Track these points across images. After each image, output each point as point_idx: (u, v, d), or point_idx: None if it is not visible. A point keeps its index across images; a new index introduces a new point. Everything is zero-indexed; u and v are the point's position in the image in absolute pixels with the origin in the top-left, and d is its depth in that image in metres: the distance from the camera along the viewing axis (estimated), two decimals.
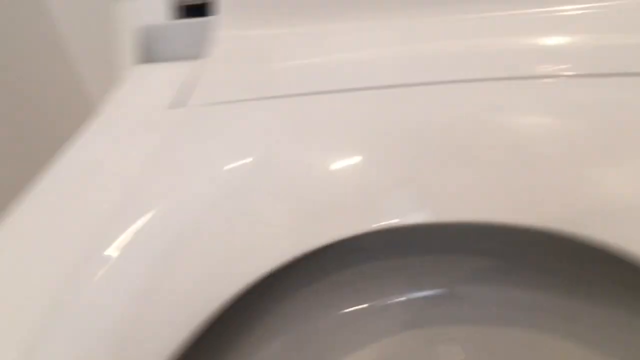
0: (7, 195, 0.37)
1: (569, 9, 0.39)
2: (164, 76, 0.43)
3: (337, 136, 0.31)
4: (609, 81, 0.33)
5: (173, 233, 0.27)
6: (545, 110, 0.31)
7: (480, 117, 0.31)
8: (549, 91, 0.33)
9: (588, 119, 0.30)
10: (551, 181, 0.28)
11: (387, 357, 0.33)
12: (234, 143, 0.32)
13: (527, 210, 0.27)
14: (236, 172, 0.30)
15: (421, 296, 0.33)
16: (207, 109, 0.37)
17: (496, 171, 0.28)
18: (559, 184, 0.27)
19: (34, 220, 0.30)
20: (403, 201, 0.28)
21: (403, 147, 0.30)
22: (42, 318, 0.24)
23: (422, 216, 0.27)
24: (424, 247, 0.31)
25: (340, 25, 0.42)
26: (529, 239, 0.29)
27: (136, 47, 0.46)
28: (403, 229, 0.27)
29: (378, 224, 0.27)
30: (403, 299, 0.33)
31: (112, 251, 0.27)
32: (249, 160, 0.30)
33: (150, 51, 0.46)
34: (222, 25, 0.43)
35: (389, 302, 0.33)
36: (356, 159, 0.30)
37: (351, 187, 0.28)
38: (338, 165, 0.30)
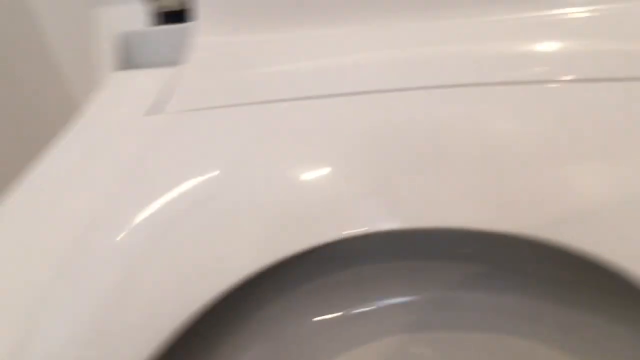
0: None
1: (552, 14, 0.40)
2: (142, 82, 0.43)
3: (309, 144, 0.31)
4: (584, 87, 0.33)
5: (140, 246, 0.27)
6: (519, 116, 0.32)
7: (454, 124, 0.31)
8: (523, 97, 0.33)
9: (562, 125, 0.30)
10: (525, 187, 0.28)
11: None
12: (207, 153, 0.32)
13: (500, 217, 0.27)
14: (205, 182, 0.30)
15: (395, 303, 0.33)
16: (183, 115, 0.36)
17: (469, 178, 0.28)
18: (533, 191, 0.27)
19: (6, 227, 0.30)
20: (373, 209, 0.28)
21: (374, 154, 0.30)
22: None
23: (392, 223, 0.27)
24: (397, 254, 0.31)
25: (318, 32, 0.42)
26: (505, 245, 0.29)
27: (115, 54, 0.46)
28: (374, 236, 0.27)
29: (348, 232, 0.26)
30: (374, 307, 0.33)
31: (81, 262, 0.27)
32: (218, 170, 0.30)
33: (130, 57, 0.46)
34: (200, 32, 0.43)
35: (362, 309, 0.33)
36: (327, 168, 0.30)
37: (322, 196, 0.28)
38: (309, 174, 0.30)
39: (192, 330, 0.26)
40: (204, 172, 0.30)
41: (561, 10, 0.39)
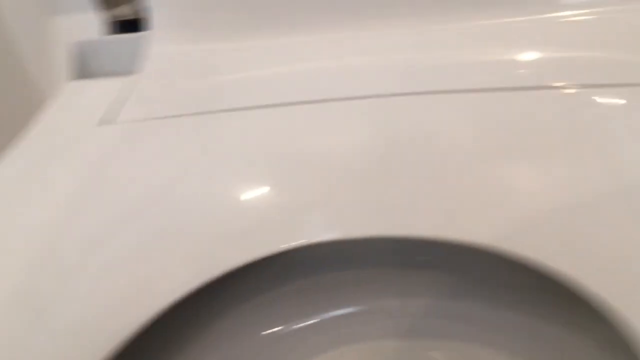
0: None
1: (500, 22, 0.40)
2: (97, 92, 0.43)
3: (253, 156, 0.32)
4: (530, 94, 0.33)
5: (70, 266, 0.27)
6: (465, 124, 0.32)
7: (400, 132, 0.32)
8: (469, 105, 0.33)
9: (509, 132, 0.31)
10: (470, 194, 0.28)
11: None
12: (150, 166, 0.32)
13: (440, 225, 0.28)
14: (144, 198, 0.30)
15: (341, 314, 0.33)
16: (134, 126, 0.37)
17: (412, 186, 0.29)
18: (478, 198, 0.28)
19: None
20: (314, 221, 0.28)
21: (318, 166, 0.30)
22: None
23: (331, 234, 0.27)
24: (347, 265, 0.32)
25: (271, 41, 0.42)
26: (454, 253, 0.30)
27: (70, 63, 0.45)
28: (320, 248, 0.28)
29: (286, 245, 0.27)
30: (317, 320, 0.33)
31: (17, 279, 0.27)
32: (159, 185, 0.31)
33: (85, 67, 0.46)
34: (154, 41, 0.43)
35: (312, 320, 0.33)
36: (268, 180, 0.30)
37: (261, 210, 0.29)
38: (249, 187, 0.30)
39: (135, 350, 0.26)
40: (144, 187, 0.31)
41: (511, 19, 0.40)
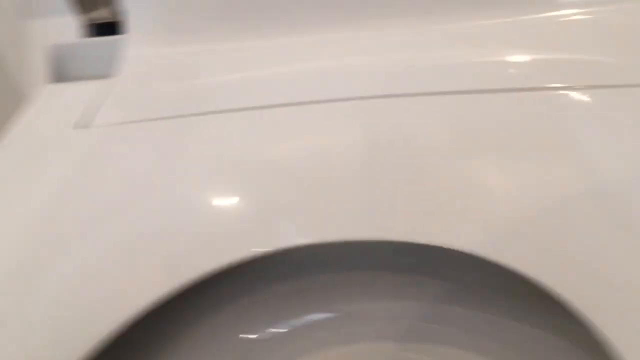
0: None
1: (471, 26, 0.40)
2: (73, 95, 0.42)
3: (226, 162, 0.32)
4: (500, 97, 0.33)
5: (46, 266, 0.27)
6: (442, 127, 0.32)
7: (375, 135, 0.32)
8: (448, 108, 0.33)
9: (483, 135, 0.31)
10: (441, 199, 0.28)
11: None
12: (120, 173, 0.32)
13: (415, 228, 0.28)
14: (119, 201, 0.30)
15: (318, 318, 0.34)
16: (109, 130, 0.37)
17: (387, 190, 0.29)
18: (449, 202, 0.28)
19: None
20: (286, 226, 0.28)
21: (290, 170, 0.30)
22: None
23: (302, 239, 0.28)
24: (317, 269, 0.32)
25: (247, 44, 0.42)
26: (425, 255, 0.30)
27: (47, 66, 0.45)
28: (289, 252, 0.28)
29: (256, 250, 0.27)
30: (294, 324, 0.34)
31: None
32: (132, 188, 0.31)
33: (62, 70, 0.45)
34: (131, 44, 0.43)
35: (285, 327, 0.34)
36: (241, 186, 0.30)
37: (234, 215, 0.29)
38: (222, 193, 0.30)
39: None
40: (117, 191, 0.31)
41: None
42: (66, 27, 0.46)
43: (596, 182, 0.28)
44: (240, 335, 0.34)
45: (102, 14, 0.45)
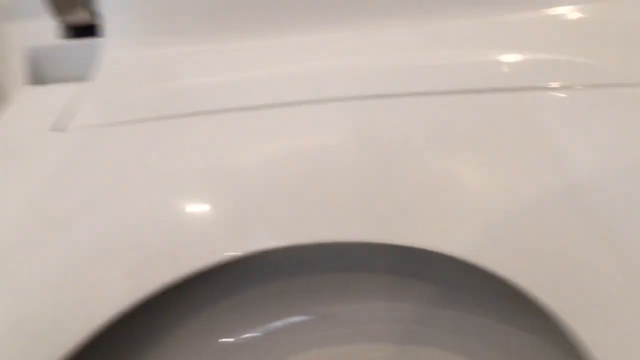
0: None
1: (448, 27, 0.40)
2: (51, 98, 0.42)
3: (200, 166, 0.32)
4: (484, 97, 0.34)
5: (15, 269, 0.27)
6: (424, 128, 0.32)
7: (345, 137, 0.32)
8: (429, 109, 0.33)
9: (462, 135, 0.31)
10: (418, 200, 0.28)
11: None
12: (98, 173, 0.32)
13: (391, 229, 0.28)
14: (91, 204, 0.30)
15: (294, 321, 0.33)
16: (85, 133, 0.36)
17: (365, 191, 0.29)
18: (427, 203, 0.28)
19: None
20: (259, 229, 0.28)
21: (262, 174, 0.30)
22: None
23: (272, 242, 0.28)
24: (292, 271, 0.32)
25: (225, 46, 0.42)
26: (402, 256, 0.30)
27: (24, 68, 0.45)
28: (263, 255, 0.28)
29: (228, 254, 0.27)
30: (271, 327, 0.33)
31: None
32: (105, 192, 0.30)
33: (39, 72, 0.45)
34: (108, 46, 0.43)
35: (262, 330, 0.33)
36: (214, 190, 0.30)
37: (208, 219, 0.29)
38: (195, 197, 0.30)
39: None
40: (90, 195, 0.30)
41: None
42: (44, 30, 0.45)
43: (572, 182, 0.28)
44: (219, 340, 0.33)
45: (80, 17, 0.45)
